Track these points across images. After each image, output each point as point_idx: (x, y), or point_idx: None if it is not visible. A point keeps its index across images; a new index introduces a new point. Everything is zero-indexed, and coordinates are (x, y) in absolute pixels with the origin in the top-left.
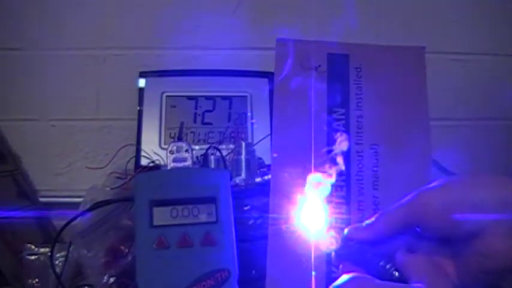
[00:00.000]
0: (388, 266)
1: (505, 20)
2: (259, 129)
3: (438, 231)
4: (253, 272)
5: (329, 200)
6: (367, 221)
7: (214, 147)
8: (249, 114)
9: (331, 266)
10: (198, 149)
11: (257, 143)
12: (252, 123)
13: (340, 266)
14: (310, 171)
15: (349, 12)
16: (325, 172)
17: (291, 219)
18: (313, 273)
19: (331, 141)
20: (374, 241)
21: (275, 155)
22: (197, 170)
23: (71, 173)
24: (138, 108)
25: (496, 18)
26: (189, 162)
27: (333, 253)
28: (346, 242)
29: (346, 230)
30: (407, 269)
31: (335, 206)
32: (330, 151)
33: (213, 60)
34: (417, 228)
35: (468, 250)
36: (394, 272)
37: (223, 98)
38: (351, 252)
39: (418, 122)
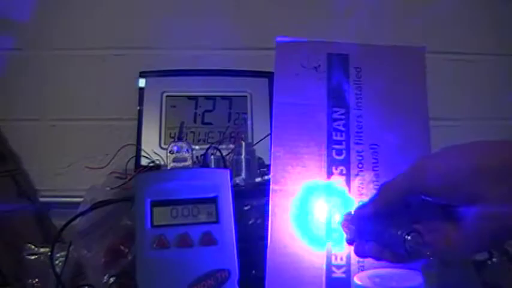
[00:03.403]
0: (399, 232)
1: (505, 20)
2: (259, 129)
3: (440, 196)
4: (253, 272)
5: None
6: (370, 197)
7: (214, 147)
8: (248, 112)
9: (331, 265)
10: (198, 149)
11: (257, 143)
12: (251, 122)
13: (353, 245)
14: (310, 171)
15: (349, 12)
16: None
17: (290, 218)
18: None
19: (330, 141)
20: (380, 213)
21: (273, 157)
22: (197, 170)
23: (71, 173)
24: (138, 108)
25: (496, 18)
26: (189, 162)
27: (346, 235)
28: (354, 221)
29: (352, 211)
30: None
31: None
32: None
33: (213, 60)
34: (421, 195)
35: (470, 214)
36: (406, 237)
37: (223, 98)
38: (361, 229)
39: (418, 122)
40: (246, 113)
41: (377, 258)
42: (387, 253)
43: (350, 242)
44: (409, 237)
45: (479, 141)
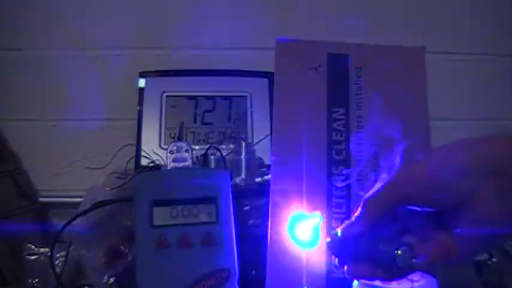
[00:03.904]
0: (389, 248)
1: (504, 20)
2: (259, 129)
3: (427, 203)
4: (253, 272)
5: (330, 200)
6: (355, 214)
7: (214, 147)
8: (249, 106)
9: (331, 265)
10: (198, 149)
11: (257, 143)
12: (251, 122)
13: (345, 267)
14: (310, 172)
15: (349, 12)
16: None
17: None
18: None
19: (330, 141)
20: (368, 231)
21: (273, 158)
22: (197, 170)
23: (71, 173)
24: (138, 108)
25: (496, 18)
26: (189, 162)
27: (335, 259)
28: (342, 243)
29: (338, 232)
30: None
31: (336, 206)
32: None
33: (213, 60)
34: (407, 206)
35: (462, 219)
36: (396, 252)
37: (223, 98)
38: (351, 250)
39: (418, 122)
40: (246, 112)
41: (371, 278)
42: (380, 271)
43: (341, 264)
44: (399, 252)
45: (459, 140)
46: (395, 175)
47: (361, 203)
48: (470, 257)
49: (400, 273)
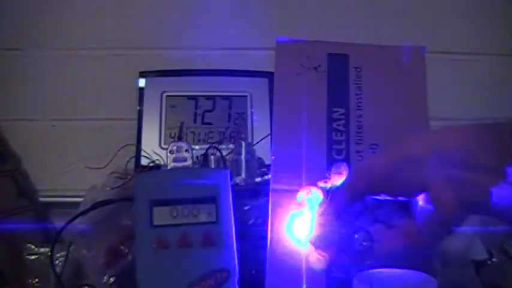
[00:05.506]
0: (349, 233)
1: (505, 20)
2: (259, 129)
3: (389, 193)
4: (253, 272)
5: None
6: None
7: (214, 147)
8: (251, 110)
9: (331, 265)
10: (198, 149)
11: (257, 143)
12: (253, 120)
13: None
14: (310, 172)
15: (349, 12)
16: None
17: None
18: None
19: (331, 141)
20: (337, 219)
21: (273, 157)
22: (197, 170)
23: (71, 173)
24: (138, 108)
25: (496, 18)
26: (189, 162)
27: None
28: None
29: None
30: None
31: None
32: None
33: (213, 60)
34: (375, 196)
35: (419, 206)
36: (354, 235)
37: (223, 98)
38: (321, 238)
39: (418, 122)
40: (246, 112)
41: (336, 263)
42: (342, 256)
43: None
44: (356, 236)
45: (409, 135)
46: (357, 167)
47: (330, 195)
48: (432, 244)
49: (359, 257)
